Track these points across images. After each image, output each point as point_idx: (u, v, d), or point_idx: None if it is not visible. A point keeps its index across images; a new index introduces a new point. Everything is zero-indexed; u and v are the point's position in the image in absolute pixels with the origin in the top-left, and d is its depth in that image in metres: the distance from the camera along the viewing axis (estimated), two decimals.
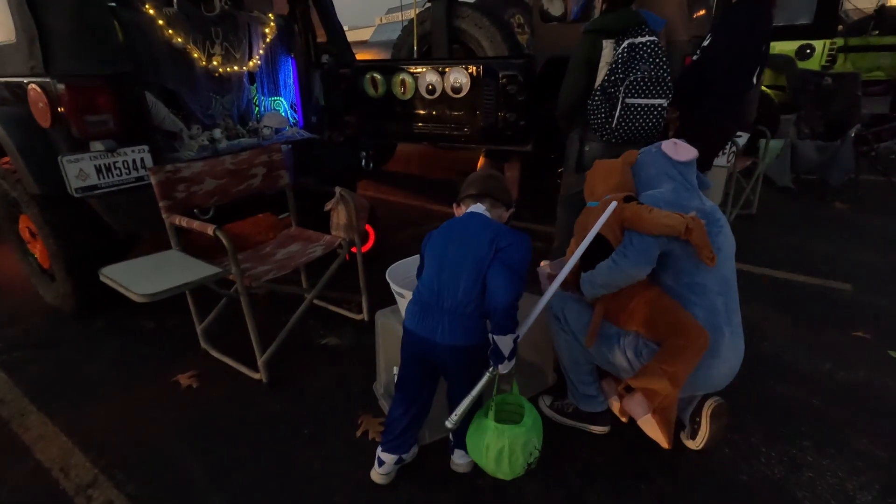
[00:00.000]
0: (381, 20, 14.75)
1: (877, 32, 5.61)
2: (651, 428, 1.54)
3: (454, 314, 1.31)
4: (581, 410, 1.74)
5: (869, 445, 1.65)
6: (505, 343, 1.25)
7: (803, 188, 4.34)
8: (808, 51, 5.02)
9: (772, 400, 1.88)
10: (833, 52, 4.88)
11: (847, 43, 5.69)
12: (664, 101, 2.29)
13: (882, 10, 5.67)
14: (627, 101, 2.28)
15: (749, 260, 2.94)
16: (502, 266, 1.27)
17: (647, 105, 2.29)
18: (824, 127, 4.38)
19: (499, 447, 1.27)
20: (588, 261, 1.58)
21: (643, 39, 2.24)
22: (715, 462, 1.61)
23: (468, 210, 1.42)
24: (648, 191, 1.62)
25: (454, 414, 1.31)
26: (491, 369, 1.30)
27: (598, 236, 1.54)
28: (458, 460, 1.57)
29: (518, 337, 1.30)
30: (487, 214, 1.39)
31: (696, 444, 1.64)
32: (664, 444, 1.54)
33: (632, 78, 2.24)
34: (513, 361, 1.28)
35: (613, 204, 1.50)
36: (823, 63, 4.91)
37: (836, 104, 4.32)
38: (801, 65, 5.02)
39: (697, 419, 1.63)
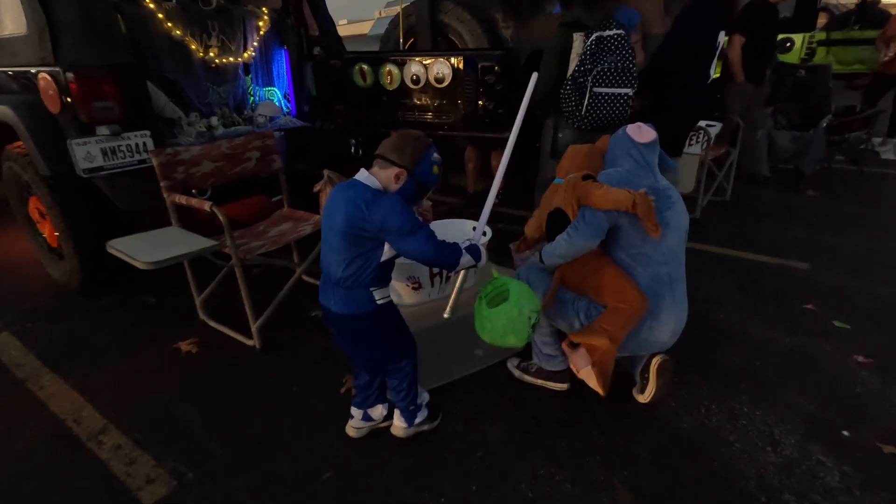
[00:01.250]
0: (380, 13, 14.81)
1: (858, 27, 5.74)
2: (591, 379, 1.71)
3: (338, 286, 1.40)
4: (543, 369, 1.92)
5: (799, 399, 1.84)
6: (464, 265, 1.42)
7: (779, 177, 4.51)
8: (788, 44, 5.17)
9: (719, 362, 2.06)
10: (812, 46, 5.03)
11: (829, 37, 5.83)
12: (629, 91, 2.46)
13: (863, 5, 5.81)
14: (595, 90, 2.45)
15: (716, 242, 3.12)
16: (396, 237, 1.33)
17: (613, 94, 2.46)
18: (801, 117, 4.54)
19: (501, 326, 1.49)
20: (551, 234, 1.76)
21: (610, 33, 2.41)
22: (660, 413, 1.80)
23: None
24: (607, 170, 1.76)
25: (448, 310, 1.58)
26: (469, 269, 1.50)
27: (559, 212, 1.71)
28: (396, 422, 1.70)
29: (472, 252, 1.43)
30: (369, 181, 1.36)
31: (644, 398, 1.82)
32: (601, 391, 1.70)
33: (599, 68, 2.41)
34: (483, 259, 1.46)
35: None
36: (802, 56, 5.06)
37: (810, 96, 4.48)
38: (781, 58, 5.17)
39: (646, 375, 1.81)
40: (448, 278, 1.92)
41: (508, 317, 1.47)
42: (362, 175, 1.39)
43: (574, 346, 1.73)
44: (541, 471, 1.58)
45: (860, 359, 2.04)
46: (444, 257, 1.38)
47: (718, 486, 1.52)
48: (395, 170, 1.36)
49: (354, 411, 1.70)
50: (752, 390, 1.89)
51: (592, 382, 1.70)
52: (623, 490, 1.51)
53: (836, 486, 1.50)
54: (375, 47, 7.17)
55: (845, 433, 1.68)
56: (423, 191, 1.43)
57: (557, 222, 1.72)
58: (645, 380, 1.81)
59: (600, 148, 1.85)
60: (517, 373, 2.00)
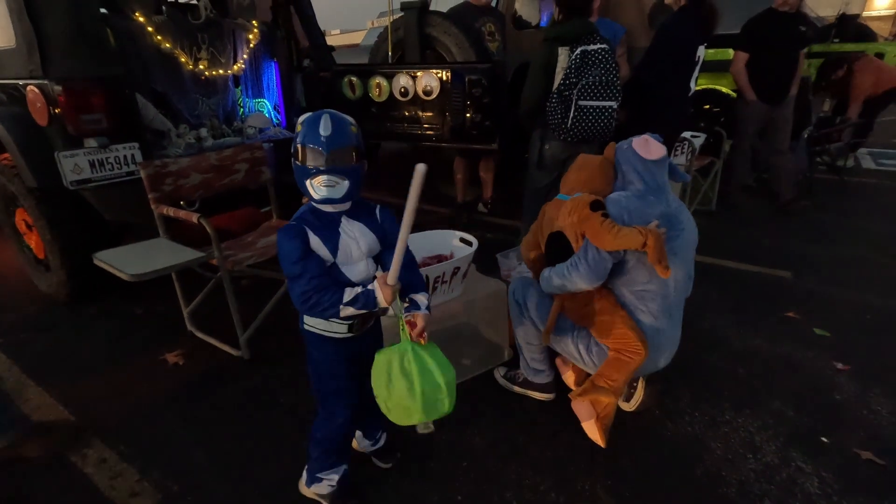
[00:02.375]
0: (372, 23, 14.93)
1: (837, 40, 5.88)
2: (593, 431, 1.67)
3: None
4: (529, 381, 1.94)
5: (781, 406, 1.87)
6: (349, 314, 1.18)
7: (763, 187, 4.58)
8: None
9: (702, 370, 2.09)
10: None
11: (810, 49, 5.96)
12: (614, 104, 2.51)
13: (843, 19, 5.95)
14: (580, 102, 2.49)
15: (701, 251, 3.14)
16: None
17: (598, 107, 2.50)
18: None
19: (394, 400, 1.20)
20: (552, 258, 1.70)
21: (595, 47, 2.46)
22: (643, 421, 1.82)
23: None
24: (616, 193, 1.62)
25: None
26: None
27: (561, 235, 1.62)
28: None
29: (352, 299, 1.16)
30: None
31: (630, 407, 1.84)
32: (602, 443, 1.65)
33: (584, 82, 2.46)
34: (377, 306, 1.17)
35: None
36: None
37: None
38: None
39: (634, 384, 1.83)
40: (435, 289, 1.93)
41: (399, 400, 1.18)
42: None
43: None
44: (526, 480, 1.60)
45: (839, 365, 2.08)
46: (305, 309, 1.18)
47: (700, 492, 1.54)
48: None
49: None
50: (735, 398, 1.92)
51: (594, 435, 1.66)
52: (606, 498, 1.53)
53: (815, 491, 1.52)
54: (368, 57, 7.22)
55: (824, 439, 1.72)
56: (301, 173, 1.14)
57: (558, 246, 1.65)
58: (633, 388, 1.84)
59: (611, 160, 1.68)
60: (503, 382, 2.02)
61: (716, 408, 1.88)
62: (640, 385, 1.83)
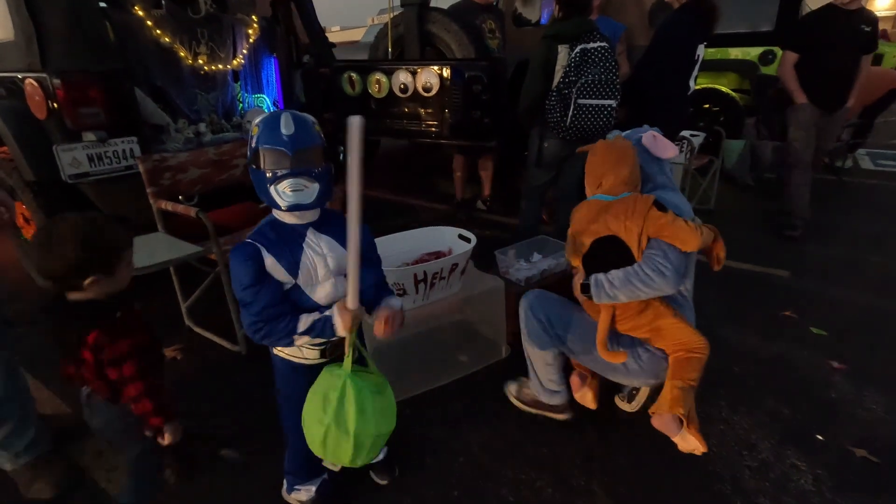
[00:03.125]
0: (373, 20, 14.90)
1: None
2: (685, 440, 1.45)
3: None
4: (542, 402, 1.80)
5: (776, 405, 1.88)
6: (301, 342, 1.14)
7: (762, 187, 4.59)
8: (770, 56, 5.27)
9: None
10: None
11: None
12: (613, 102, 2.51)
13: None
14: (580, 101, 2.49)
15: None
16: None
17: (597, 105, 2.50)
18: (781, 129, 4.63)
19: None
20: (601, 264, 1.52)
21: (594, 45, 2.46)
22: (641, 418, 1.82)
23: None
24: (660, 192, 1.58)
25: None
26: None
27: (615, 240, 1.48)
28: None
29: (309, 328, 1.10)
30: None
31: (631, 408, 1.84)
32: (703, 449, 1.43)
33: (583, 80, 2.46)
34: (335, 333, 1.11)
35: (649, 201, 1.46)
36: None
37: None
38: (764, 70, 5.26)
39: (636, 389, 1.83)
40: (433, 285, 1.94)
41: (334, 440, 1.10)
42: None
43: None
44: (522, 476, 1.60)
45: (835, 364, 2.09)
46: (259, 338, 1.10)
47: (695, 489, 1.55)
48: None
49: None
50: (731, 396, 1.93)
51: (692, 444, 1.44)
52: (602, 495, 1.53)
53: (810, 488, 1.53)
54: (368, 54, 7.21)
55: (819, 437, 1.72)
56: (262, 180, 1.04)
57: (609, 250, 1.51)
58: (636, 390, 1.84)
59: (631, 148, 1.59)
60: (516, 402, 1.87)
61: (712, 406, 1.88)
62: (645, 388, 1.83)
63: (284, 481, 1.50)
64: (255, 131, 1.03)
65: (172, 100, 2.81)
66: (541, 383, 1.77)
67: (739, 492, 1.53)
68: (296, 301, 1.12)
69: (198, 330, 2.39)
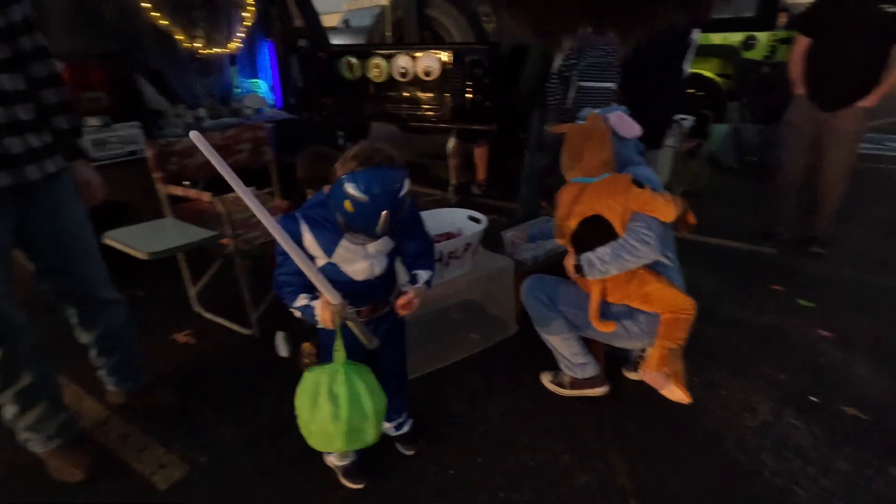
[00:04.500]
0: (348, 5, 14.63)
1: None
2: (673, 392, 1.66)
3: None
4: (578, 379, 1.85)
5: (771, 371, 2.00)
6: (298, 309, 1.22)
7: (746, 169, 4.75)
8: (752, 42, 5.41)
9: (698, 339, 2.15)
10: (775, 44, 5.28)
11: (789, 35, 6.12)
12: (613, 85, 2.58)
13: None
14: (581, 83, 2.56)
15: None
16: None
17: (598, 87, 2.58)
18: (764, 112, 4.79)
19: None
20: (589, 242, 1.61)
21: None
22: (646, 387, 1.90)
23: None
24: (632, 169, 1.67)
25: None
26: None
27: (599, 218, 1.56)
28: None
29: (302, 307, 1.19)
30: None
31: (637, 376, 1.94)
32: (687, 400, 1.66)
33: (584, 63, 2.53)
34: (314, 320, 1.19)
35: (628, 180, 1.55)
36: (766, 53, 5.32)
37: (774, 91, 4.73)
38: (746, 55, 5.41)
39: (642, 356, 1.93)
40: (448, 264, 1.99)
41: (322, 425, 1.19)
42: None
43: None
44: (540, 443, 1.69)
45: (824, 333, 2.22)
46: (279, 295, 1.22)
47: (702, 449, 1.65)
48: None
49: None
50: (729, 364, 2.05)
51: (678, 395, 1.66)
52: (616, 458, 1.63)
53: (807, 444, 1.65)
54: (346, 39, 7.12)
55: (813, 398, 1.85)
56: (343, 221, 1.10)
57: (596, 228, 1.59)
58: (640, 358, 1.93)
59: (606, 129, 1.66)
60: (553, 388, 1.91)
61: (713, 374, 1.99)
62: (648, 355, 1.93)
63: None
64: (352, 191, 1.03)
65: (170, 84, 2.77)
66: (568, 360, 1.82)
67: (743, 449, 1.64)
68: (329, 275, 1.16)
69: (208, 315, 2.40)
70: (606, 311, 1.70)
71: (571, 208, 1.64)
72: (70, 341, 2.28)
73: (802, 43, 2.75)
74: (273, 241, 1.11)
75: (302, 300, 1.18)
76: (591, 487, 1.52)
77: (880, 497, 1.47)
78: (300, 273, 1.12)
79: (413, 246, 1.31)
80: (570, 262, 1.68)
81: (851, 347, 2.12)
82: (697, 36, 2.77)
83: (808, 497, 1.47)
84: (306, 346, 1.84)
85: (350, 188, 1.03)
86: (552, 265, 2.46)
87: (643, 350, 1.92)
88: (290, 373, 2.01)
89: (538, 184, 3.00)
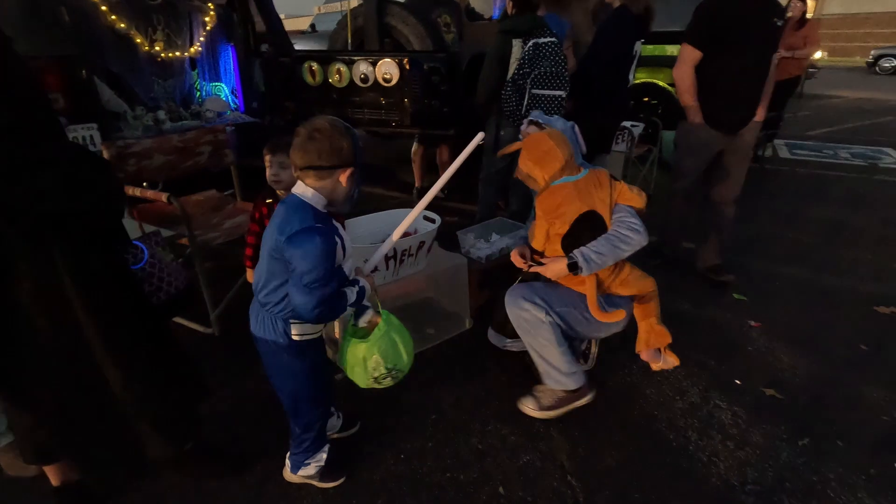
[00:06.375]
0: (319, 9, 14.60)
1: None
2: (665, 362, 1.91)
3: (259, 303, 1.30)
4: (566, 394, 1.82)
5: (704, 358, 2.17)
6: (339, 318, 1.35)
7: None
8: None
9: (637, 330, 2.36)
10: None
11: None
12: (563, 93, 2.73)
13: None
14: (533, 91, 2.70)
15: None
16: (292, 280, 1.16)
17: (549, 95, 2.71)
18: None
19: (347, 359, 1.36)
20: (583, 239, 1.65)
21: (545, 40, 2.67)
22: (590, 374, 2.06)
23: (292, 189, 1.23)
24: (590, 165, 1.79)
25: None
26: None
27: (591, 214, 1.64)
28: (287, 462, 1.56)
29: (355, 300, 1.27)
30: (306, 195, 1.19)
31: (587, 366, 2.07)
32: (677, 362, 1.91)
33: (536, 72, 2.67)
34: (364, 299, 1.30)
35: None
36: None
37: None
38: None
39: (588, 347, 2.06)
40: (402, 262, 2.08)
41: (353, 355, 1.33)
42: (300, 189, 1.20)
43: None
44: (489, 427, 1.79)
45: (752, 323, 2.42)
46: (317, 314, 1.17)
47: (636, 429, 1.79)
48: (343, 172, 1.18)
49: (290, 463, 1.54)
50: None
51: (671, 360, 1.90)
52: (559, 438, 1.75)
53: (729, 422, 1.81)
54: (315, 43, 7.13)
55: (737, 382, 2.02)
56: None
57: (586, 226, 1.65)
58: (588, 350, 2.07)
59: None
60: (541, 414, 1.82)
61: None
62: (594, 345, 2.07)
63: (287, 462, 1.54)
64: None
65: (129, 87, 2.79)
66: (560, 372, 1.77)
67: (673, 429, 1.78)
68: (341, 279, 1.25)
69: None
70: (578, 304, 1.74)
71: (567, 208, 1.65)
72: None
73: (693, 57, 2.37)
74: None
75: (353, 290, 1.26)
76: (533, 465, 1.64)
77: (788, 465, 1.64)
78: (338, 278, 1.21)
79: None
80: (558, 266, 1.68)
81: (775, 336, 2.32)
82: (639, 48, 2.96)
83: (725, 468, 1.63)
84: None
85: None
86: (505, 263, 2.59)
87: (588, 346, 2.06)
88: (249, 372, 2.06)
89: (495, 186, 3.13)
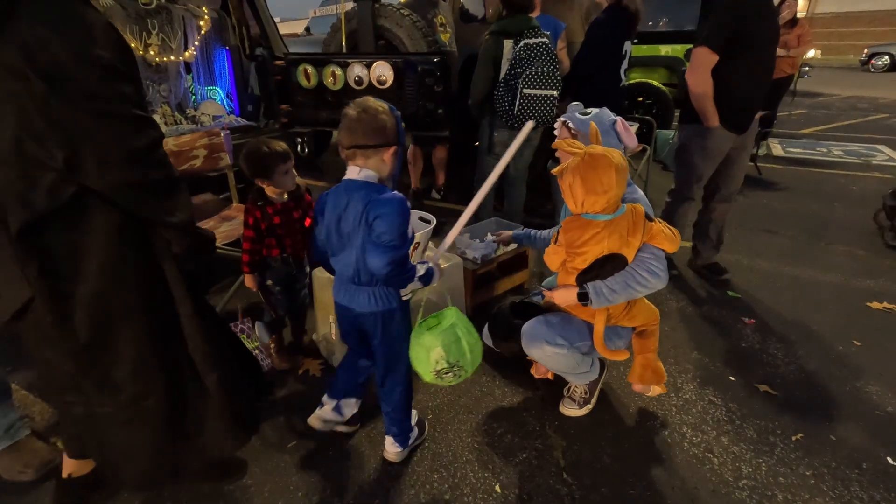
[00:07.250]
0: (315, 12, 14.61)
1: None
2: (654, 391, 1.84)
3: (366, 285, 1.39)
4: (591, 384, 1.88)
5: (698, 355, 2.19)
6: (410, 288, 1.43)
7: None
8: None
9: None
10: None
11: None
12: (555, 92, 2.75)
13: None
14: (525, 91, 2.72)
15: None
16: (371, 243, 1.29)
17: (541, 95, 2.74)
18: None
19: (414, 352, 1.43)
20: (594, 276, 1.59)
21: (536, 41, 2.69)
22: None
23: (345, 177, 1.36)
24: (630, 194, 1.61)
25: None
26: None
27: (617, 256, 1.54)
28: (389, 448, 1.64)
29: (424, 274, 1.40)
30: (361, 176, 1.32)
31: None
32: (663, 391, 1.84)
33: (528, 72, 2.68)
34: (435, 280, 1.45)
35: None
36: None
37: None
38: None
39: None
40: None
41: (419, 344, 1.40)
42: (355, 173, 1.32)
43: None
44: (485, 426, 1.80)
45: (746, 320, 2.43)
46: (393, 277, 1.31)
47: (631, 426, 1.81)
48: (387, 150, 1.32)
49: (326, 400, 1.65)
50: (662, 350, 2.18)
51: (657, 391, 1.85)
52: (554, 436, 1.76)
53: (723, 418, 1.83)
54: (309, 46, 7.15)
55: (731, 378, 2.04)
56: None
57: (607, 263, 1.57)
58: None
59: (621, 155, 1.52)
60: (585, 410, 1.86)
61: None
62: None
63: (394, 446, 1.62)
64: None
65: None
66: (585, 373, 1.79)
67: (667, 426, 1.80)
68: None
69: None
70: (586, 333, 1.69)
71: (591, 248, 1.55)
72: (18, 344, 2.27)
73: (709, 63, 2.32)
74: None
75: (423, 268, 1.40)
76: (529, 463, 1.65)
77: (781, 460, 1.65)
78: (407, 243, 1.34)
79: None
80: (568, 295, 1.63)
81: (768, 332, 2.34)
82: (629, 48, 2.98)
83: (719, 462, 1.64)
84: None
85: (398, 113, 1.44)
86: (500, 264, 2.61)
87: None
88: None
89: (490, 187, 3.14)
